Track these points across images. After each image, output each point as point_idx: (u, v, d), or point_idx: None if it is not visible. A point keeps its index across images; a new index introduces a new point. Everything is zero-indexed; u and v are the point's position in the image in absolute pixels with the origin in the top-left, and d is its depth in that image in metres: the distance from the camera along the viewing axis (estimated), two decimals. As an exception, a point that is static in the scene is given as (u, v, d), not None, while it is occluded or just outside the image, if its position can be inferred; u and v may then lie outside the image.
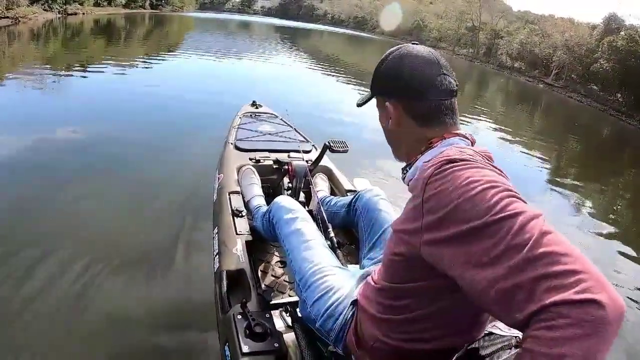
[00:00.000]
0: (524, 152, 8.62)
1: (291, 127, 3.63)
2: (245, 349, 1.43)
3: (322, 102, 9.47)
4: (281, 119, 3.84)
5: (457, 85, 1.09)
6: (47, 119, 5.59)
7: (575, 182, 7.44)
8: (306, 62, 19.58)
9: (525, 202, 0.80)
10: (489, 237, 0.76)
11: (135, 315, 2.28)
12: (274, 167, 2.78)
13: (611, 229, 5.34)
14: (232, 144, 3.14)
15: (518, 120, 13.93)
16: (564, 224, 5.10)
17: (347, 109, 8.40)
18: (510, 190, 0.82)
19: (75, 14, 28.80)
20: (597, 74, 26.65)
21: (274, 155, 2.89)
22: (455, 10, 50.19)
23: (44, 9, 25.27)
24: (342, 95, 11.10)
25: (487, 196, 0.79)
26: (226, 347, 1.51)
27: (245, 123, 3.61)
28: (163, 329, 2.23)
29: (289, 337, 1.53)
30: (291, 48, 25.73)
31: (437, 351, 1.03)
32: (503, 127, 10.69)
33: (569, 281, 0.66)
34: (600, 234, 5.03)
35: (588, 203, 6.30)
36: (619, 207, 6.80)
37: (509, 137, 9.75)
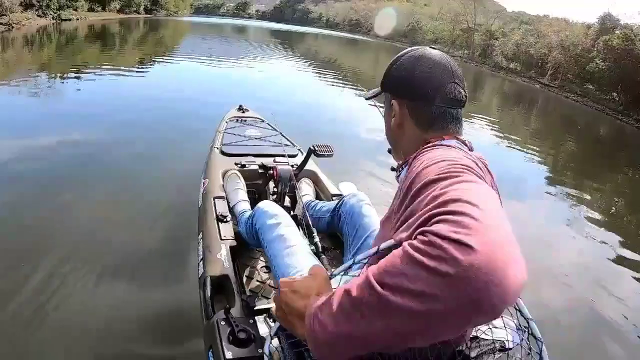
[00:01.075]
0: (521, 153, 8.60)
1: (277, 131, 3.63)
2: (228, 355, 1.41)
3: (311, 106, 9.42)
4: (267, 123, 3.84)
5: (466, 96, 1.08)
6: (35, 126, 5.57)
7: (573, 182, 7.40)
8: (299, 66, 19.54)
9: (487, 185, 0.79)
10: (428, 191, 0.76)
11: (120, 321, 2.28)
12: (260, 171, 2.76)
13: (609, 227, 5.28)
14: (217, 148, 3.14)
15: (514, 121, 13.90)
16: (561, 223, 5.09)
17: (335, 112, 8.41)
18: (471, 169, 0.80)
19: (69, 19, 28.75)
20: (593, 74, 26.61)
21: (259, 160, 2.88)
22: (450, 11, 50.25)
23: (37, 15, 25.22)
24: (331, 99, 11.05)
25: (443, 164, 0.81)
26: (210, 353, 1.50)
27: (231, 127, 3.60)
28: (148, 336, 2.22)
29: (273, 342, 1.47)
30: (285, 52, 25.67)
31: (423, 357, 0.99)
32: (499, 128, 10.67)
33: (458, 222, 0.63)
34: (598, 233, 4.99)
35: (586, 202, 6.24)
36: (616, 206, 6.76)
37: (505, 138, 9.74)
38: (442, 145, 1.00)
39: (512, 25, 42.30)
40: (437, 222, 0.64)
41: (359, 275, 0.76)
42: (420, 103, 1.06)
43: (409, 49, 1.14)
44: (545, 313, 3.07)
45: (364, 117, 8.20)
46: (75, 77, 9.41)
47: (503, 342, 1.01)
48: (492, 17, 44.77)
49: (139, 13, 45.81)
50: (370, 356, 0.96)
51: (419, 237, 0.64)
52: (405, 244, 0.65)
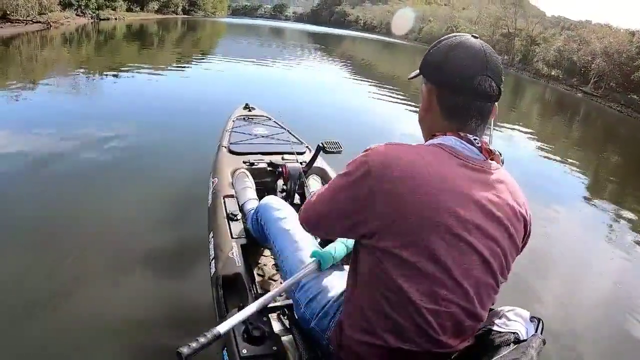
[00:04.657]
0: (560, 163, 8.26)
1: (284, 129, 3.64)
2: (243, 352, 1.43)
3: (329, 105, 9.19)
4: (274, 121, 3.84)
5: (498, 91, 1.06)
6: (47, 122, 5.55)
7: (614, 197, 7.00)
8: (334, 70, 19.31)
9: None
10: None
11: (133, 321, 2.28)
12: (268, 169, 2.80)
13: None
14: (225, 147, 3.15)
15: (555, 130, 13.44)
16: (599, 238, 4.85)
17: (350, 111, 8.36)
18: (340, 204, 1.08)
19: (108, 19, 29.22)
20: (638, 83, 25.58)
21: (267, 158, 2.92)
22: (489, 16, 49.33)
23: (76, 14, 25.68)
24: (350, 98, 10.82)
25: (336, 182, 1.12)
26: (224, 352, 1.50)
27: (238, 126, 3.60)
28: (161, 335, 2.22)
29: (287, 339, 1.53)
30: (322, 55, 25.38)
31: (430, 353, 1.05)
32: (539, 137, 10.38)
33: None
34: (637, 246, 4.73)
35: (627, 219, 5.83)
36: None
37: (545, 147, 9.43)
38: (432, 145, 1.06)
39: (552, 30, 41.21)
40: None
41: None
42: (447, 91, 1.06)
43: (451, 35, 1.13)
44: (574, 328, 3.00)
45: (375, 115, 8.35)
46: (106, 76, 9.47)
47: (517, 334, 1.04)
48: (532, 22, 43.63)
49: (176, 14, 46.49)
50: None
51: None
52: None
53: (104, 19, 28.55)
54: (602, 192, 7.18)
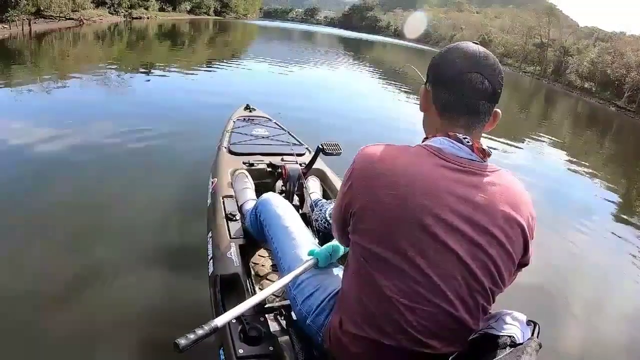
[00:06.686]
0: (589, 180, 8.02)
1: (284, 130, 3.65)
2: (239, 353, 1.43)
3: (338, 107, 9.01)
4: (275, 122, 3.85)
5: (491, 90, 1.07)
6: (52, 119, 5.50)
7: None
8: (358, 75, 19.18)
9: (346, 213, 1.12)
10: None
11: (129, 319, 2.27)
12: (268, 170, 2.82)
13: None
14: (225, 148, 3.16)
15: (585, 145, 13.07)
16: (628, 261, 4.58)
17: (348, 112, 8.26)
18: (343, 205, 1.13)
19: (140, 18, 29.68)
20: (675, 98, 24.84)
21: (267, 159, 2.94)
22: (522, 25, 48.64)
23: (109, 12, 26.14)
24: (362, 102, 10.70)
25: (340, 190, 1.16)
26: (221, 352, 1.51)
27: (238, 127, 3.61)
28: (157, 334, 2.19)
29: (284, 340, 1.54)
30: (352, 62, 25.14)
31: (412, 352, 1.05)
32: (568, 152, 10.12)
33: None
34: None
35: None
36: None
37: (574, 162, 9.17)
38: (418, 145, 1.08)
39: (586, 41, 40.38)
40: None
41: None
42: (440, 87, 1.09)
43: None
44: (599, 352, 2.90)
45: (386, 120, 8.29)
46: (130, 76, 9.60)
47: (513, 337, 1.04)
48: (565, 32, 42.82)
49: (208, 15, 47.02)
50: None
51: None
52: None
53: (136, 18, 29.05)
54: (632, 210, 6.92)
